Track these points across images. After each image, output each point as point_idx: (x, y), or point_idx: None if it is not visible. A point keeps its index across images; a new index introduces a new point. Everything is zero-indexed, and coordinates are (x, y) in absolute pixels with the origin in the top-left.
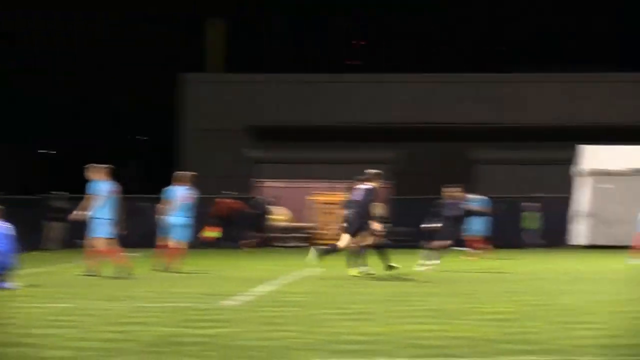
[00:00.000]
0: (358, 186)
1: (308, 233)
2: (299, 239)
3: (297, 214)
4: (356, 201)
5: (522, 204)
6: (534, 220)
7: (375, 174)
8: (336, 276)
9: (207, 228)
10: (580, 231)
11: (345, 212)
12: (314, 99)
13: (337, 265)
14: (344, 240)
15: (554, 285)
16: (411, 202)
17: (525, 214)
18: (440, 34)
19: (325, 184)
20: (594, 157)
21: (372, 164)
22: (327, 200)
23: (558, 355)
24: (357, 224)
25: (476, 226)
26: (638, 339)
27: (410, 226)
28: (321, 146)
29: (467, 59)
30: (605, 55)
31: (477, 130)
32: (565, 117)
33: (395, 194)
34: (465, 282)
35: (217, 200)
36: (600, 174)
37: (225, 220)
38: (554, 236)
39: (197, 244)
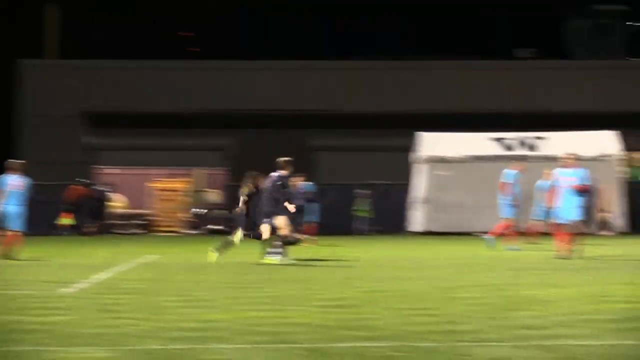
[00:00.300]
0: (270, 174)
1: (146, 220)
2: (137, 226)
3: (136, 201)
4: (267, 189)
5: (354, 191)
6: (365, 208)
7: (285, 161)
8: (176, 263)
9: (62, 215)
10: (417, 218)
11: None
12: (152, 86)
13: (177, 253)
14: (265, 230)
15: (391, 271)
16: None
17: (357, 200)
18: (280, 20)
19: (165, 171)
20: (432, 144)
21: (210, 150)
22: (166, 187)
23: (396, 341)
24: (269, 212)
25: (308, 213)
26: (473, 325)
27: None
28: (159, 133)
29: (309, 46)
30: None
31: (315, 116)
32: (404, 104)
33: (232, 180)
34: (304, 269)
35: (70, 187)
36: (437, 161)
37: (76, 207)
38: (392, 223)
39: (53, 231)
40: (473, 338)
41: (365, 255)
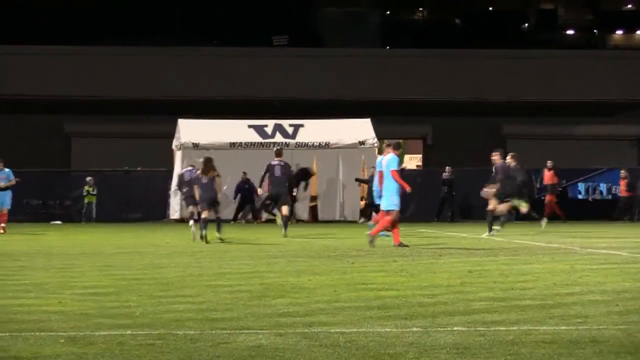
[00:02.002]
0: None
1: None
2: None
3: None
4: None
5: (87, 178)
6: (92, 195)
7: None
8: None
9: None
10: (174, 205)
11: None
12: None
13: None
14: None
15: (150, 259)
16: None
17: (87, 188)
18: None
19: None
20: (190, 130)
21: None
22: None
23: (156, 329)
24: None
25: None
26: (233, 313)
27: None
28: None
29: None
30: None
31: (74, 102)
32: (165, 91)
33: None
34: (61, 256)
35: None
36: (193, 148)
37: None
38: (152, 211)
39: None
40: (233, 326)
41: (123, 242)
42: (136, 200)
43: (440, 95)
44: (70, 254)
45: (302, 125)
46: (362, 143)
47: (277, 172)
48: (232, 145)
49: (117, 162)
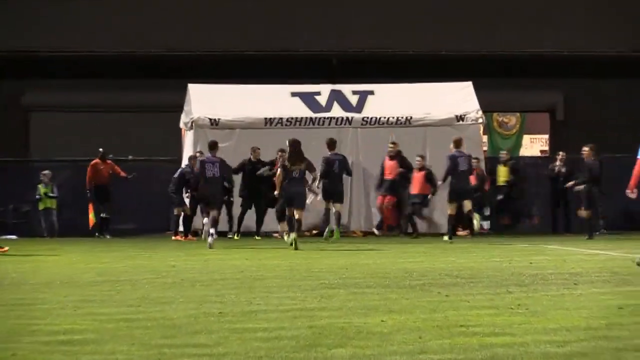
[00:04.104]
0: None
1: None
2: None
3: None
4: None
5: (43, 173)
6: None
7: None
8: None
9: None
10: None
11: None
12: None
13: None
14: None
15: (147, 290)
16: None
17: (43, 188)
18: None
19: None
20: (206, 100)
21: None
22: None
23: None
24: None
25: None
26: None
27: None
28: None
29: None
30: None
31: (34, 61)
32: (170, 43)
33: None
34: (17, 288)
35: None
36: (212, 126)
37: None
38: (151, 220)
39: None
40: None
41: (104, 267)
42: (127, 204)
43: (577, 49)
44: (31, 284)
45: (371, 93)
46: (460, 118)
47: (337, 167)
48: (268, 122)
49: (96, 149)
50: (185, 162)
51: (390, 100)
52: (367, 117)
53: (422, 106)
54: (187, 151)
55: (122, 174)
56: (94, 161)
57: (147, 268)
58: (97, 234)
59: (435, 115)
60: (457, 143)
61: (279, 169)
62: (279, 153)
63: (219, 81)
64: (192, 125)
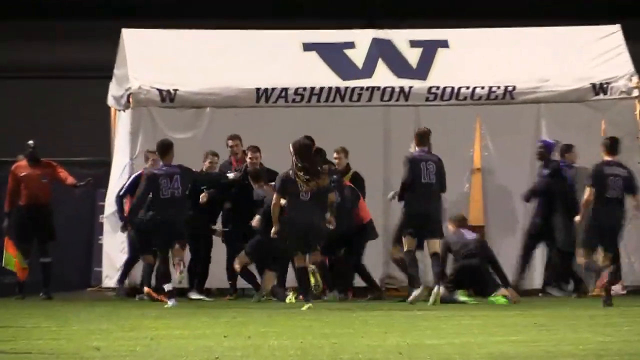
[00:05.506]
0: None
1: None
2: None
3: None
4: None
5: None
6: None
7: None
8: None
9: None
10: (112, 252)
11: None
12: None
13: None
14: None
15: None
16: None
17: None
18: None
19: None
20: (152, 57)
21: None
22: None
23: None
24: None
25: None
26: None
27: None
28: None
29: None
30: None
31: None
32: None
33: None
34: None
35: None
36: (164, 103)
37: None
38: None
39: None
40: None
41: None
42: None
43: None
44: None
45: (443, 44)
46: (601, 89)
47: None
48: (263, 96)
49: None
50: (119, 161)
51: (476, 57)
52: (437, 88)
53: (531, 68)
54: (122, 146)
55: (70, 180)
56: (17, 163)
57: (50, 349)
58: (18, 291)
59: (556, 83)
60: (422, 137)
61: (274, 193)
62: (249, 154)
63: (175, 23)
64: (128, 100)
